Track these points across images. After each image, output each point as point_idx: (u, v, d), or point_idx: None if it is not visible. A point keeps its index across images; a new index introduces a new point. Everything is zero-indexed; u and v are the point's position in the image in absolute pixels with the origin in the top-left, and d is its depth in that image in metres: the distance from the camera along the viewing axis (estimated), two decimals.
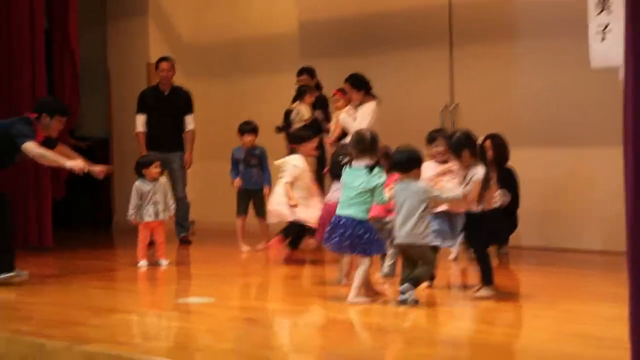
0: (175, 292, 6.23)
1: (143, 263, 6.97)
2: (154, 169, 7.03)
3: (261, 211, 7.79)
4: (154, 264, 6.99)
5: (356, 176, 5.20)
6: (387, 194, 5.17)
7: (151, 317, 5.09)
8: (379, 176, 5.17)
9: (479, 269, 5.25)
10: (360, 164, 5.22)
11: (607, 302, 5.06)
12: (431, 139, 6.03)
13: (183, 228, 8.78)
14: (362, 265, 5.17)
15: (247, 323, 4.76)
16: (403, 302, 4.90)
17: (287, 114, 8.51)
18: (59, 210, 9.16)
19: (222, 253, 7.94)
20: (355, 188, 5.16)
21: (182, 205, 8.73)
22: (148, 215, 6.97)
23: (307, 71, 8.75)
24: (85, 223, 11.04)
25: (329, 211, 5.74)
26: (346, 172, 5.29)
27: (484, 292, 5.21)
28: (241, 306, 5.45)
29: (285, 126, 8.44)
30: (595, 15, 5.43)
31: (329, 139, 8.13)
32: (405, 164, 5.13)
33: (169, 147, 8.65)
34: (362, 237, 5.11)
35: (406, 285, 4.95)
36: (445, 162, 5.88)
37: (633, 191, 2.98)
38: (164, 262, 7.04)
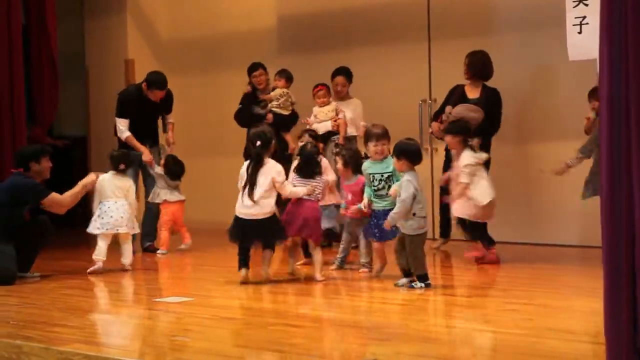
0: (154, 291, 6.19)
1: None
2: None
3: None
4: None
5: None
6: None
7: (129, 317, 5.05)
8: None
9: None
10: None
11: (582, 297, 5.08)
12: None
13: (150, 236, 8.15)
14: None
15: (226, 322, 4.73)
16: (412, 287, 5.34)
17: (260, 101, 8.18)
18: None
19: (205, 253, 7.89)
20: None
21: (153, 211, 8.09)
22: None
23: (261, 66, 8.31)
24: (63, 223, 10.88)
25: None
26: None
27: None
28: (220, 305, 5.42)
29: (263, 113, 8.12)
30: (572, 8, 5.45)
31: (340, 137, 7.66)
32: (418, 155, 5.40)
33: (147, 144, 8.16)
34: None
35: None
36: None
37: (608, 185, 2.99)
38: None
